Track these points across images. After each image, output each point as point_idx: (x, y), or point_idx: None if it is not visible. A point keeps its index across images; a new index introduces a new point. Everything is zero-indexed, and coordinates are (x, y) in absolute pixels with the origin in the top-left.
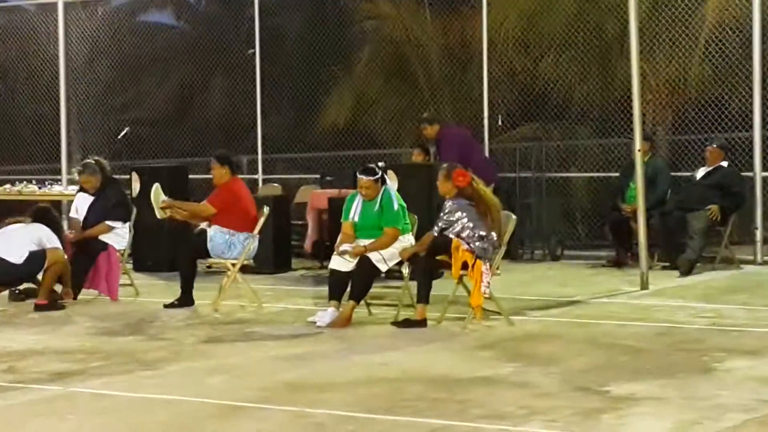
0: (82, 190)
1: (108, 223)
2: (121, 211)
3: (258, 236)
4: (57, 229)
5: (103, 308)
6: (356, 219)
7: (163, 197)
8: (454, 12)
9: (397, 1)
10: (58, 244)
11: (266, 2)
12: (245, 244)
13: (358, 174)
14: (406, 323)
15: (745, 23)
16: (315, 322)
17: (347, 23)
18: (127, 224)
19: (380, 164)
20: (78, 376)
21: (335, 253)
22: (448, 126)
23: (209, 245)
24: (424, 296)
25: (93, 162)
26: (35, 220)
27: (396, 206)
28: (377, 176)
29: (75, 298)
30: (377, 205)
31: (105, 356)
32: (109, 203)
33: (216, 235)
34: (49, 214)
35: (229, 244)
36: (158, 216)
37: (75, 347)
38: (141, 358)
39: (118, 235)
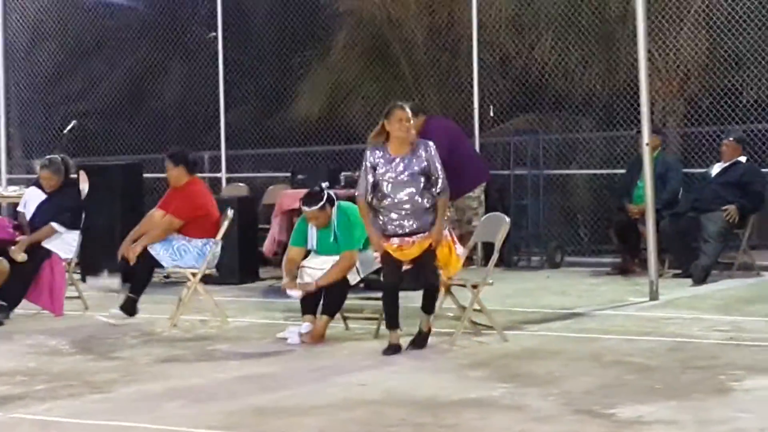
0: (37, 184)
1: (53, 224)
2: (68, 217)
3: (220, 242)
4: None
5: (47, 324)
6: (315, 247)
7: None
8: None
9: None
10: None
11: None
12: (204, 251)
13: (300, 204)
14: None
15: (764, 2)
16: (286, 339)
17: (321, 4)
18: (76, 232)
19: (324, 185)
20: (19, 400)
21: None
22: (435, 118)
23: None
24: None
25: (59, 159)
26: None
27: (351, 227)
28: (322, 203)
29: (7, 314)
30: (332, 235)
31: (50, 378)
32: (62, 211)
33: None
34: None
35: (180, 250)
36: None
37: (15, 368)
38: (90, 380)
39: (65, 242)
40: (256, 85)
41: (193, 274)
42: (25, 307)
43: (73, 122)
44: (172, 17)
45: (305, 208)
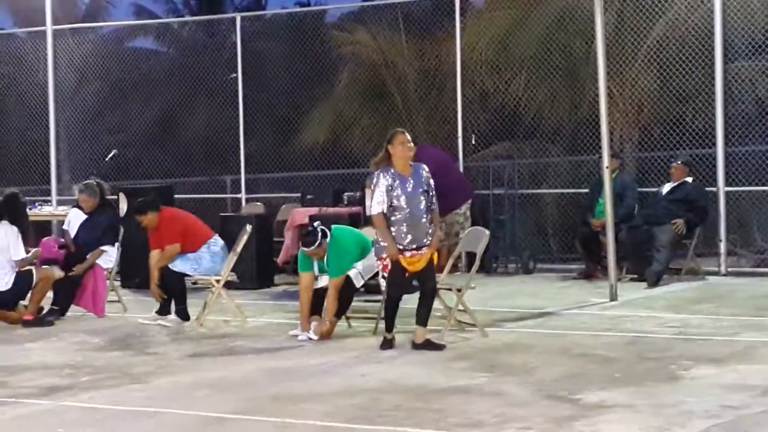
0: (78, 206)
1: (102, 248)
2: (110, 236)
3: (219, 240)
4: (22, 215)
5: (91, 324)
6: (317, 272)
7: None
8: (429, 36)
9: (374, 27)
10: (22, 252)
11: (248, 28)
12: (213, 251)
13: (300, 245)
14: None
15: (708, 44)
16: (297, 336)
17: (326, 49)
18: (115, 245)
19: (316, 224)
20: (68, 390)
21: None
22: (425, 147)
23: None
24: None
25: (94, 184)
26: (3, 207)
27: (341, 255)
28: (318, 242)
29: (58, 316)
30: (326, 264)
31: (93, 371)
32: (100, 228)
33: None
34: (16, 200)
35: (196, 260)
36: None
37: (64, 362)
38: (128, 372)
39: (106, 255)
40: (270, 119)
41: (217, 281)
42: (71, 310)
43: (114, 151)
44: (198, 61)
45: (304, 249)
